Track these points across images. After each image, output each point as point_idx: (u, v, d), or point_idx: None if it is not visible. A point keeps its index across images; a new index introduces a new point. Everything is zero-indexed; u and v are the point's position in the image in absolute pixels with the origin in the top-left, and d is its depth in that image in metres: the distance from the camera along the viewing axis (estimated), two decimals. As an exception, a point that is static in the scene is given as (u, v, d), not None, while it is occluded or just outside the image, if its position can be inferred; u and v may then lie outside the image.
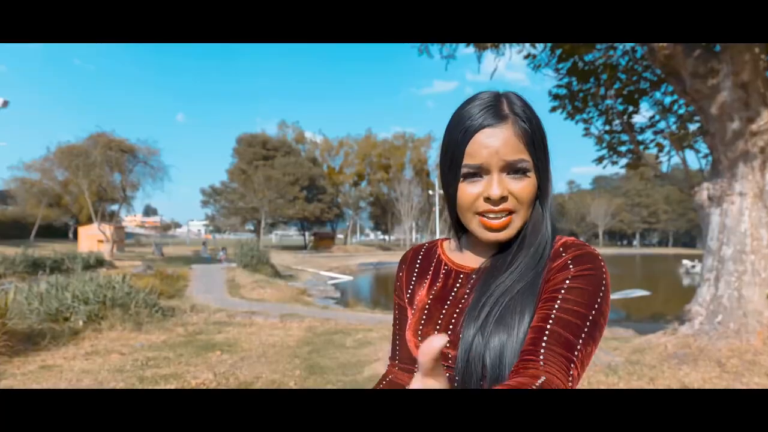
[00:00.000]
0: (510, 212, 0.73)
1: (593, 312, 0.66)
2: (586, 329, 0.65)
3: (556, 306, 0.66)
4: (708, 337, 4.77)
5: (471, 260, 0.83)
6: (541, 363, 0.61)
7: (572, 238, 0.76)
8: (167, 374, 4.87)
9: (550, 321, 0.65)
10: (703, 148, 5.93)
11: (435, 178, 52.96)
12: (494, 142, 0.72)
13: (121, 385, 4.53)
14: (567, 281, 0.68)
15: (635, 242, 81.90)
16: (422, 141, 53.77)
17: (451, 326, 0.76)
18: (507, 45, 6.65)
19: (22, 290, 7.41)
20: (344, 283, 22.48)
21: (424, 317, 0.80)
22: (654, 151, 6.47)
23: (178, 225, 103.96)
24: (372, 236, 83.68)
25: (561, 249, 0.73)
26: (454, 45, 6.89)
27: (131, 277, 10.30)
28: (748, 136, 4.74)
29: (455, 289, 0.80)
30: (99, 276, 8.77)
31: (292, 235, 75.61)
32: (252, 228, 45.29)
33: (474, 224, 0.76)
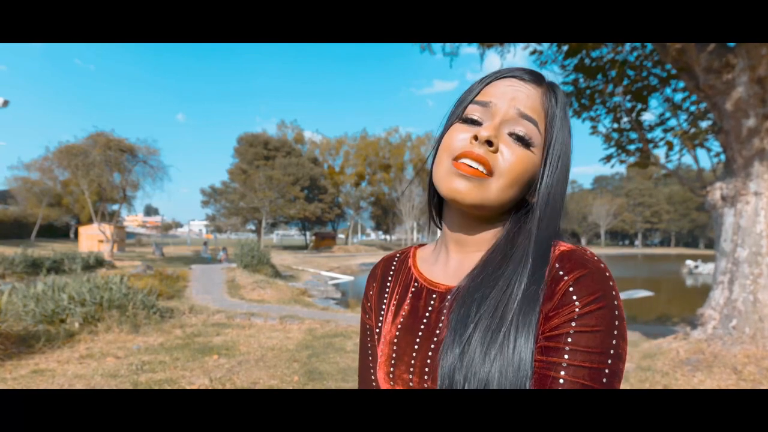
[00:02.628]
0: (488, 172, 0.59)
1: (609, 361, 0.52)
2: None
3: (564, 365, 0.52)
4: (722, 342, 4.60)
5: (444, 273, 0.68)
6: None
7: (569, 246, 0.60)
8: (162, 379, 4.73)
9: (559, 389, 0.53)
10: (715, 146, 5.77)
11: (436, 178, 52.55)
12: (517, 90, 0.62)
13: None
14: (572, 323, 0.53)
15: (637, 242, 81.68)
16: (421, 140, 53.67)
17: (427, 367, 0.61)
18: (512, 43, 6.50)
19: (18, 291, 7.28)
20: (345, 283, 22.36)
21: (394, 355, 0.66)
22: (664, 149, 6.31)
23: (179, 225, 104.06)
24: (373, 236, 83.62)
25: (558, 266, 0.57)
26: (457, 44, 6.74)
27: (130, 277, 10.18)
28: (764, 133, 4.58)
29: (427, 315, 0.66)
30: (96, 277, 8.65)
31: (293, 234, 75.58)
32: (253, 228, 45.20)
33: (443, 171, 0.61)
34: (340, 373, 5.00)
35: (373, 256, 38.96)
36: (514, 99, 0.61)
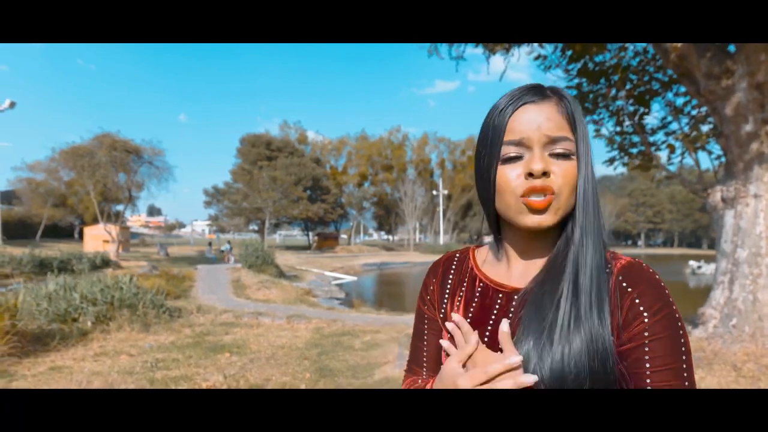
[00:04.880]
0: (552, 193, 0.67)
1: (684, 357, 0.64)
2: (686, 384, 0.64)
3: (648, 374, 0.64)
4: (722, 340, 4.72)
5: (507, 275, 0.77)
6: None
7: (628, 259, 0.70)
8: (177, 376, 4.86)
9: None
10: (716, 149, 5.88)
11: (438, 178, 53.00)
12: (537, 116, 0.68)
13: (131, 387, 4.52)
14: (645, 333, 0.64)
15: (640, 242, 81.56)
16: (424, 140, 53.86)
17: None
18: (516, 46, 6.62)
19: (30, 290, 7.41)
20: (348, 283, 22.45)
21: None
22: (665, 152, 6.44)
23: (182, 225, 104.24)
24: (375, 236, 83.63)
25: (621, 278, 0.67)
26: (463, 46, 6.86)
27: (137, 277, 10.30)
28: (763, 137, 4.69)
29: (495, 311, 0.74)
30: (106, 276, 8.78)
31: (296, 235, 75.69)
32: (256, 228, 45.34)
33: (514, 209, 0.69)
34: (350, 370, 5.13)
35: (376, 256, 39.04)
36: (540, 128, 0.67)
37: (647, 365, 0.64)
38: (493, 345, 0.71)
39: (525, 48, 6.89)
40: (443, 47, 6.77)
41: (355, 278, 24.67)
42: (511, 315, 0.72)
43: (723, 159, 5.59)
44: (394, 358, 5.40)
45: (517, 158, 0.69)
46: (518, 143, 0.68)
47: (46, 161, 23.31)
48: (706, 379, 4.12)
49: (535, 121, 0.68)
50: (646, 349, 0.64)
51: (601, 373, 0.63)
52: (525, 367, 0.64)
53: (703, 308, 5.25)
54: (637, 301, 0.66)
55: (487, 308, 0.76)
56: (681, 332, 0.65)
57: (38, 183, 30.78)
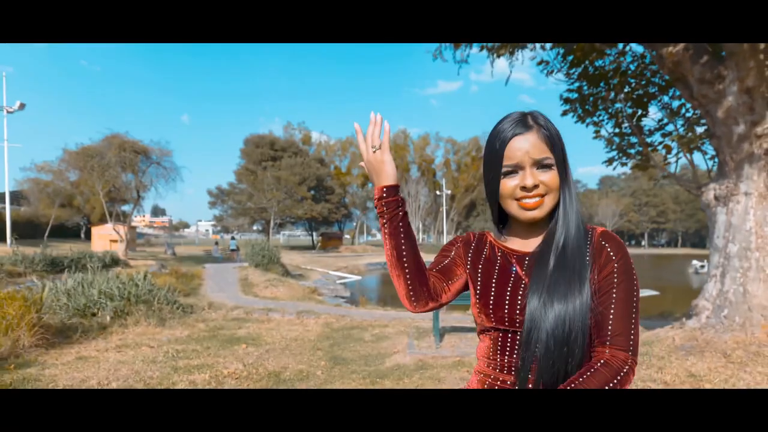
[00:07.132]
0: (542, 196, 0.97)
1: (634, 297, 0.95)
2: (633, 311, 0.94)
3: (613, 301, 0.93)
4: (714, 330, 4.98)
5: (519, 245, 1.06)
6: (607, 352, 0.90)
7: (603, 228, 1.01)
8: (199, 365, 5.13)
9: (611, 314, 0.92)
10: (710, 149, 6.14)
11: (440, 179, 53.19)
12: (525, 145, 0.97)
13: (157, 375, 4.80)
14: (615, 274, 0.94)
15: (644, 242, 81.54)
16: (425, 140, 54.09)
17: (519, 302, 0.98)
18: (519, 50, 6.87)
19: (51, 287, 7.70)
20: (353, 282, 22.75)
21: (492, 295, 1.01)
22: (662, 152, 6.71)
23: (186, 225, 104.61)
24: (378, 236, 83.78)
25: (601, 240, 0.98)
26: (468, 51, 7.12)
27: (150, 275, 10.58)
28: (753, 138, 4.95)
29: (513, 269, 1.02)
30: (122, 274, 9.08)
31: (299, 235, 76.02)
32: (260, 228, 45.68)
33: (514, 208, 1.00)
34: (362, 359, 5.40)
35: (380, 256, 39.22)
36: (528, 153, 0.97)
37: (614, 295, 0.93)
38: (514, 296, 0.98)
39: (528, 53, 7.15)
40: (447, 51, 7.04)
41: (359, 277, 24.97)
42: (524, 271, 1.00)
43: (717, 159, 5.84)
44: (404, 348, 5.66)
45: (514, 172, 0.99)
46: (514, 166, 0.98)
47: (56, 162, 23.65)
48: (696, 364, 4.38)
49: (523, 148, 0.97)
50: (615, 280, 0.94)
51: (580, 319, 0.91)
52: (532, 321, 0.93)
53: (696, 300, 5.51)
54: (610, 252, 0.97)
55: (508, 268, 1.04)
56: (635, 277, 0.96)
57: (45, 183, 31.11)
